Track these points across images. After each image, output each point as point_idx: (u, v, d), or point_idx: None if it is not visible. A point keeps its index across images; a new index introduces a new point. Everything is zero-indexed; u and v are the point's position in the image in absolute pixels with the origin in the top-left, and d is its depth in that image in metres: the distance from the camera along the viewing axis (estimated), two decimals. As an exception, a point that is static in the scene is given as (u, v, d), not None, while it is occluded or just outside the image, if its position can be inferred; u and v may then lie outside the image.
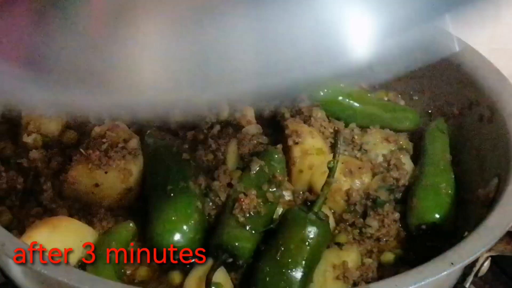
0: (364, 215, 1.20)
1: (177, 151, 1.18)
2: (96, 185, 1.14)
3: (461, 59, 1.33)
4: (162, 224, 1.08)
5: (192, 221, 1.09)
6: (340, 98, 1.35)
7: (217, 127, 1.23)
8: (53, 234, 1.06)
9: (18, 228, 1.13)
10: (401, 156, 1.28)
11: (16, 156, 1.20)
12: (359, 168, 1.24)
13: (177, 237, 1.07)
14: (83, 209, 1.16)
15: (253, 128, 1.26)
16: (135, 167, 1.16)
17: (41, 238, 1.04)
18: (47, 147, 1.21)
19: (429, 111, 1.39)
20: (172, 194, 1.11)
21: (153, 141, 1.21)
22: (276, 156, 1.23)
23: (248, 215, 1.10)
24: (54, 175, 1.18)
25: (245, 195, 1.12)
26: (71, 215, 1.14)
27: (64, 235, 1.07)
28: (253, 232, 1.08)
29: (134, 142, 1.18)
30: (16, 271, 1.01)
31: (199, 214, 1.11)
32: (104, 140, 1.16)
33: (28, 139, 1.20)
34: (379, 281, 0.97)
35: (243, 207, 1.10)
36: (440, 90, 1.37)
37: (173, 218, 1.08)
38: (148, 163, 1.18)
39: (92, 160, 1.13)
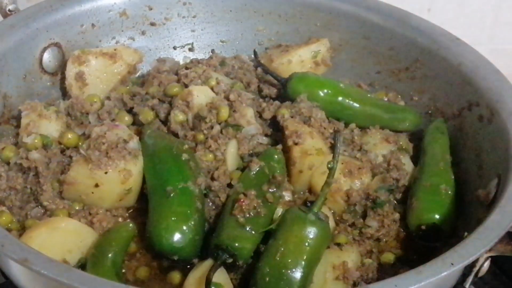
0: (364, 216, 1.20)
1: (177, 151, 1.18)
2: (96, 185, 1.14)
3: (461, 60, 1.33)
4: (162, 224, 1.08)
5: (192, 222, 1.09)
6: (340, 98, 1.35)
7: (217, 128, 1.23)
8: (53, 234, 1.06)
9: (18, 228, 1.13)
10: (401, 156, 1.28)
11: (16, 156, 1.20)
12: (359, 168, 1.24)
13: (177, 237, 1.07)
14: (83, 209, 1.16)
15: (253, 129, 1.26)
16: (135, 168, 1.16)
17: (41, 238, 1.05)
18: (47, 148, 1.21)
19: (429, 112, 1.39)
20: (172, 195, 1.11)
21: (153, 142, 1.21)
22: (276, 156, 1.23)
23: (248, 215, 1.10)
24: (54, 176, 1.18)
25: (245, 195, 1.12)
26: (70, 216, 1.15)
27: (64, 236, 1.07)
28: (253, 232, 1.08)
29: (134, 143, 1.18)
30: (16, 271, 1.01)
31: (199, 215, 1.11)
32: (104, 140, 1.16)
33: (27, 140, 1.20)
34: (379, 282, 0.96)
35: (243, 207, 1.10)
36: (440, 90, 1.37)
37: (173, 218, 1.08)
38: (148, 164, 1.18)
39: (92, 160, 1.13)
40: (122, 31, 1.46)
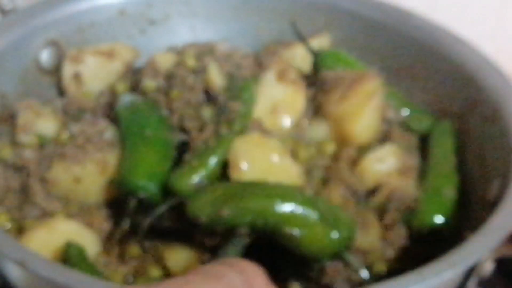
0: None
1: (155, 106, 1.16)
2: (76, 180, 1.12)
3: (463, 59, 1.33)
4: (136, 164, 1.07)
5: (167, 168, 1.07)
6: None
7: (190, 78, 1.20)
8: (51, 236, 1.06)
9: (17, 229, 1.12)
10: (408, 156, 1.26)
11: (14, 156, 1.19)
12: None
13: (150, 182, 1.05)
14: (82, 211, 1.15)
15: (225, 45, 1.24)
16: (113, 157, 1.13)
17: (39, 240, 1.04)
18: (43, 147, 1.20)
19: (432, 111, 1.38)
20: (150, 138, 1.10)
21: (130, 100, 1.19)
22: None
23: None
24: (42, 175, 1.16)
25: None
26: (69, 217, 1.13)
27: (63, 237, 1.06)
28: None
29: (108, 132, 1.16)
30: (14, 274, 1.00)
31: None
32: (81, 135, 1.15)
33: (24, 139, 1.19)
34: (380, 283, 0.96)
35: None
36: (442, 90, 1.36)
37: (150, 159, 1.07)
38: (124, 119, 1.16)
39: (67, 156, 1.12)
40: (121, 29, 1.45)
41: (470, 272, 1.06)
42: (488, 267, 1.05)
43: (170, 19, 1.49)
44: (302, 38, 1.41)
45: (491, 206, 1.08)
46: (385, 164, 1.20)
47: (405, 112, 1.34)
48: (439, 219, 1.13)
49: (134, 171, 1.06)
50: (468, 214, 1.17)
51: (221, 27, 1.52)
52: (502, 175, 1.11)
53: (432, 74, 1.38)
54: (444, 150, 1.27)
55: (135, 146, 1.10)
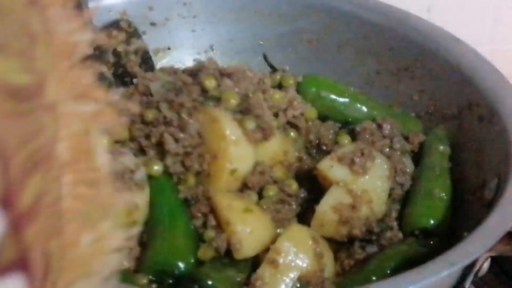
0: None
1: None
2: None
3: (460, 60, 1.33)
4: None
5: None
6: (348, 101, 1.36)
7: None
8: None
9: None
10: (404, 159, 1.26)
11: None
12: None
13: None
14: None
15: None
16: (142, 200, 1.10)
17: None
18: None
19: (429, 112, 1.39)
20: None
21: None
22: None
23: None
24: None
25: None
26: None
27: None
28: None
29: (141, 174, 1.11)
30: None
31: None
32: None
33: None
34: (378, 282, 0.96)
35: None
36: (439, 90, 1.37)
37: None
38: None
39: None
40: (123, 31, 1.46)
41: (467, 271, 1.06)
42: (485, 266, 1.05)
43: (171, 21, 1.50)
44: (274, 69, 1.42)
45: (488, 205, 1.09)
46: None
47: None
48: (429, 222, 1.13)
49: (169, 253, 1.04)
50: (466, 214, 1.17)
51: (221, 29, 1.53)
52: (499, 175, 1.12)
53: (430, 75, 1.38)
54: (436, 156, 1.26)
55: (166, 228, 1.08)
